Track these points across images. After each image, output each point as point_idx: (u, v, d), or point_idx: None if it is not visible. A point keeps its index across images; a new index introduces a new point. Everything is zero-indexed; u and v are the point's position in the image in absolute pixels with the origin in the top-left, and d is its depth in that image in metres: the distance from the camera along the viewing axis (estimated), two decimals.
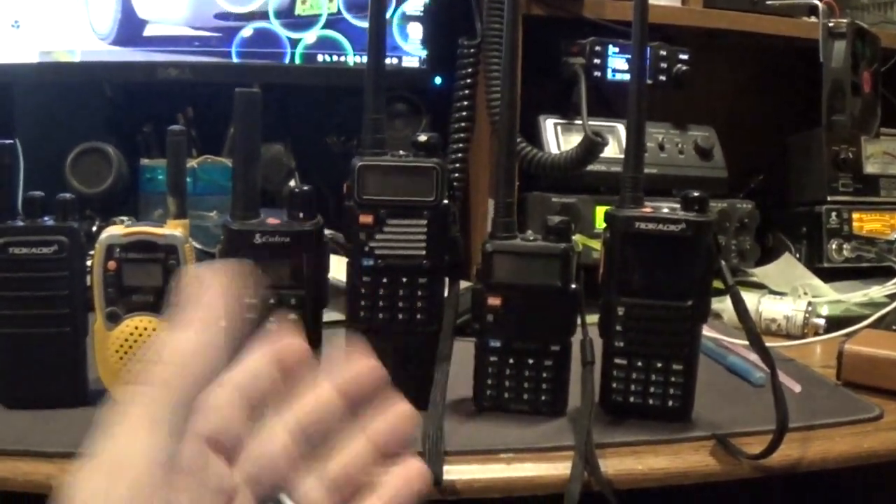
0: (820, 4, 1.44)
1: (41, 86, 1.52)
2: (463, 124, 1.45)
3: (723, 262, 0.88)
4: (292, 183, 1.45)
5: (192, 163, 1.35)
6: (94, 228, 1.30)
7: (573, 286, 0.88)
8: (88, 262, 0.89)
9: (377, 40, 0.90)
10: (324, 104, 1.56)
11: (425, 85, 1.50)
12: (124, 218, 1.34)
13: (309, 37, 1.43)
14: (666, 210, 0.88)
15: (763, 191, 1.65)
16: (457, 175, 1.44)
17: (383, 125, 0.90)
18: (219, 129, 1.46)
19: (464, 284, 0.95)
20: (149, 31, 1.39)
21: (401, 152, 0.88)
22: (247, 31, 1.41)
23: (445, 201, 0.87)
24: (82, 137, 1.43)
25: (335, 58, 1.45)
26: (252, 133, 0.89)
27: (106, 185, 1.39)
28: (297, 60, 1.44)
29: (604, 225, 0.90)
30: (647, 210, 0.88)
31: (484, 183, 1.46)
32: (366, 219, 0.87)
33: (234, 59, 1.42)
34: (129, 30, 1.39)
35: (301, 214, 0.88)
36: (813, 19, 1.48)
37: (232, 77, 1.42)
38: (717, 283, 0.89)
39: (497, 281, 0.88)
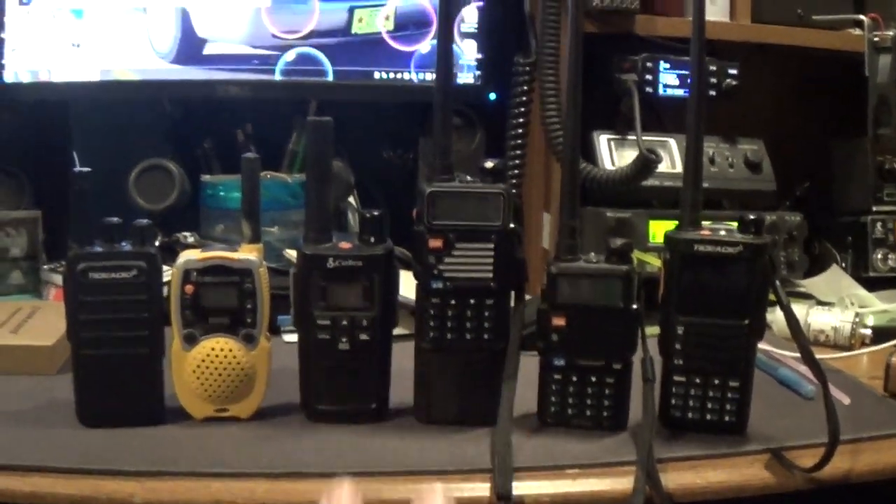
0: (865, 19, 1.45)
1: (101, 103, 1.53)
2: (519, 141, 1.47)
3: (777, 282, 0.90)
4: (351, 200, 1.48)
5: None
6: (157, 243, 1.33)
7: (634, 306, 0.90)
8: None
9: (446, 64, 0.92)
10: (378, 118, 1.58)
11: (480, 100, 1.51)
12: (187, 234, 1.38)
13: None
14: (723, 232, 0.90)
15: (807, 199, 1.66)
16: (513, 192, 1.45)
17: (451, 150, 0.92)
18: (278, 144, 1.49)
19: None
20: (208, 50, 1.42)
21: (468, 178, 0.91)
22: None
23: (512, 225, 0.90)
24: (141, 155, 1.45)
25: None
26: (324, 159, 0.93)
27: (169, 201, 1.42)
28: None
29: (658, 239, 0.92)
30: (706, 232, 0.90)
31: (536, 197, 1.48)
32: (435, 243, 0.89)
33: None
34: (189, 48, 1.42)
35: (372, 238, 0.91)
36: (857, 32, 1.49)
37: (290, 94, 1.46)
38: (770, 297, 0.91)
39: (561, 302, 0.91)
